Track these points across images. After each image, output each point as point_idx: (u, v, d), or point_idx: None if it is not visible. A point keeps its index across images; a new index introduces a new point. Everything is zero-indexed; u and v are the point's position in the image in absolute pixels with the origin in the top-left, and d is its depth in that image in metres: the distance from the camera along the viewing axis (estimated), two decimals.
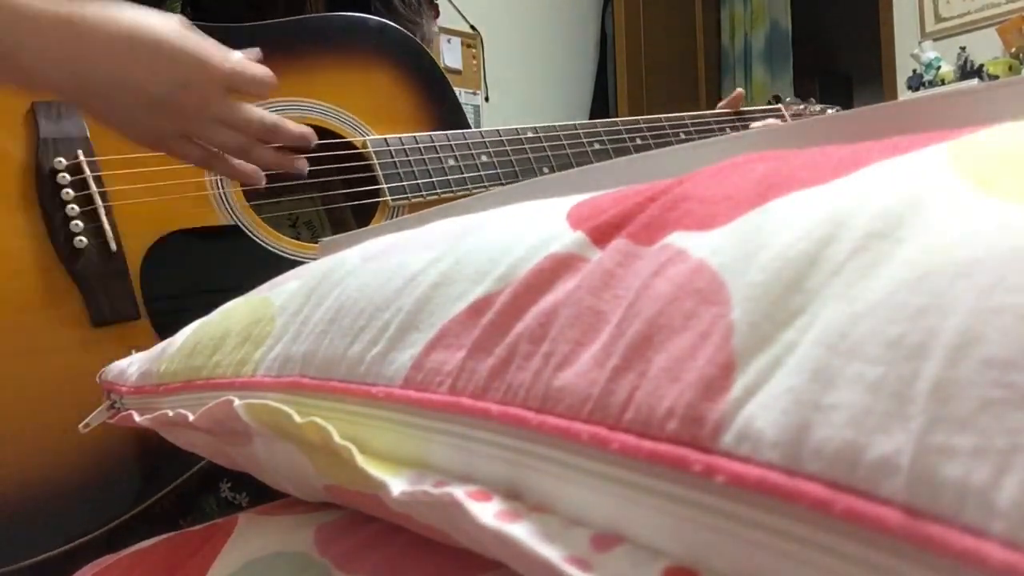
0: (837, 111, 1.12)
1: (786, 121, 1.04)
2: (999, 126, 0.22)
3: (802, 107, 1.10)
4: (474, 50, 3.44)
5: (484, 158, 0.79)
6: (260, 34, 0.75)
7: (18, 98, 0.63)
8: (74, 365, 0.59)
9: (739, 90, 1.04)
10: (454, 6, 3.22)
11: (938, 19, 3.32)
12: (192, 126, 0.60)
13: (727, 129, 0.99)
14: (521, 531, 0.20)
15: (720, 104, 1.03)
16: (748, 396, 0.17)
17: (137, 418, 0.43)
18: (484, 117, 3.42)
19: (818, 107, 1.12)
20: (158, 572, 0.40)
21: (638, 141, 0.90)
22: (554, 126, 0.85)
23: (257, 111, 0.63)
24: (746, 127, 1.00)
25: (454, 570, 0.29)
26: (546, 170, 0.82)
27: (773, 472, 0.16)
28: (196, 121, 0.60)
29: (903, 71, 3.35)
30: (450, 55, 3.31)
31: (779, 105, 1.08)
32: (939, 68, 3.15)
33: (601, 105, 3.87)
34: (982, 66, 3.07)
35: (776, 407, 0.16)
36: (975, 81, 3.00)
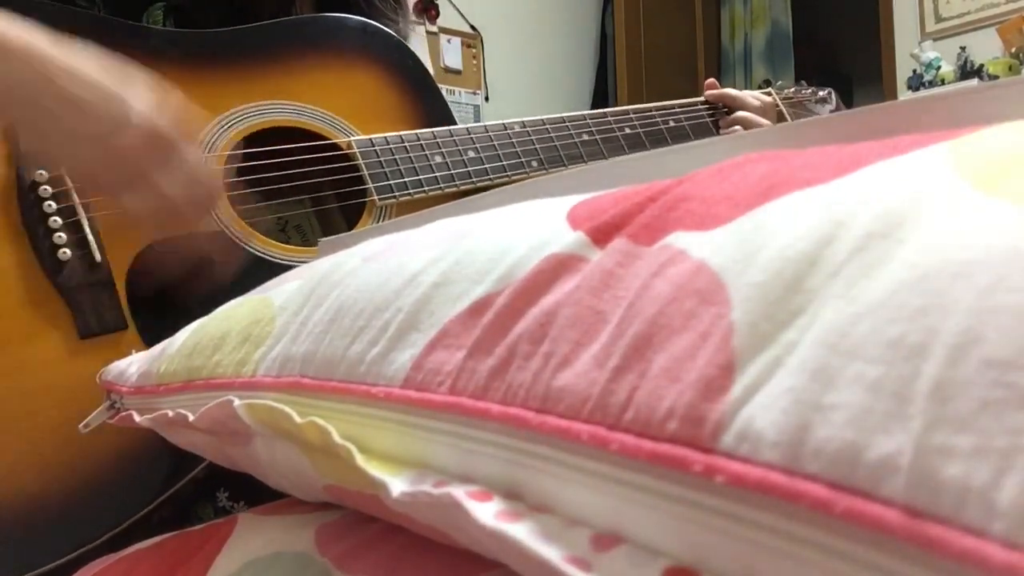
0: (829, 92, 1.12)
1: (774, 105, 1.04)
2: (999, 126, 0.22)
3: (793, 90, 1.09)
4: (474, 50, 3.44)
5: (471, 153, 0.78)
6: (239, 38, 0.75)
7: None
8: (62, 378, 0.58)
9: (710, 79, 1.04)
10: (454, 6, 3.22)
11: (938, 19, 3.32)
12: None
13: (715, 114, 0.99)
14: (521, 531, 0.20)
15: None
16: (748, 396, 0.17)
17: (137, 418, 0.43)
18: (484, 117, 3.42)
19: (809, 90, 1.11)
20: (158, 572, 0.40)
21: (627, 130, 0.88)
22: (542, 119, 0.84)
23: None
24: (730, 112, 1.00)
25: (454, 570, 0.29)
26: (534, 163, 0.81)
27: (773, 472, 0.16)
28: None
29: (903, 71, 3.36)
30: (450, 55, 3.31)
31: (769, 89, 1.07)
32: (939, 68, 3.16)
33: (601, 105, 3.87)
34: (982, 66, 3.07)
35: (776, 407, 0.16)
36: (975, 81, 3.00)
